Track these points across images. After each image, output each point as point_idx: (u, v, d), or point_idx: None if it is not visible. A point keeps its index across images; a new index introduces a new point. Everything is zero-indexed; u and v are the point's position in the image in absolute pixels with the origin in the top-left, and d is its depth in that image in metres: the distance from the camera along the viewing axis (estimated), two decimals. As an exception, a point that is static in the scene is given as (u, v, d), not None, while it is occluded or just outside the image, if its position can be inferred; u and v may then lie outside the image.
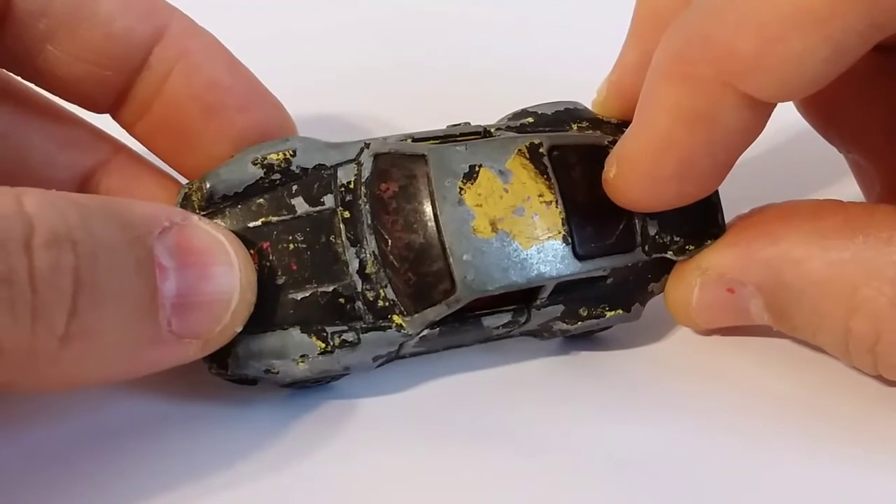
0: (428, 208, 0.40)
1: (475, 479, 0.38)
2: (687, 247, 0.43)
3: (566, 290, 0.41)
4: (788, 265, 0.39)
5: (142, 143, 0.44)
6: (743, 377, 0.43)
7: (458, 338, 0.41)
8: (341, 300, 0.40)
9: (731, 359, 0.44)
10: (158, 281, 0.36)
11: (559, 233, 0.40)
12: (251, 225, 0.40)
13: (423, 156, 0.40)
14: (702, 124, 0.38)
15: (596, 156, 0.42)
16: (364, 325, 0.40)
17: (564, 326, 0.42)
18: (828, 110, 0.45)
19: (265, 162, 0.40)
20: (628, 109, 0.42)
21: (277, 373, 0.39)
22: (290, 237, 0.40)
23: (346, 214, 0.41)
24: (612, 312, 0.43)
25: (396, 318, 0.40)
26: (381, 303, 0.40)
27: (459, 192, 0.40)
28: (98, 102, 0.43)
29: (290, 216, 0.40)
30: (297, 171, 0.41)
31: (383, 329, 0.40)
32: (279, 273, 0.40)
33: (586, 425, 0.41)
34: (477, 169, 0.40)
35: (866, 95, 0.44)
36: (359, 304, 0.40)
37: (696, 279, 0.42)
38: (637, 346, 0.45)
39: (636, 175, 0.40)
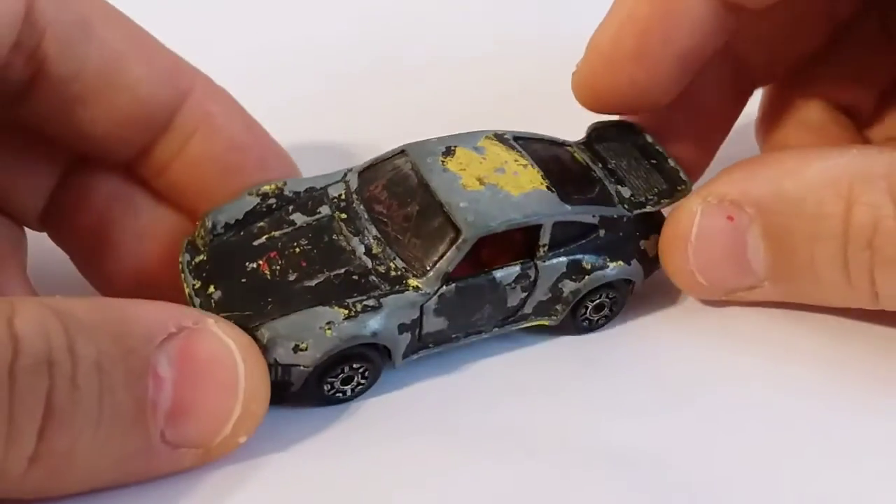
0: (416, 182, 0.43)
1: (479, 478, 0.38)
2: (661, 200, 0.46)
3: (564, 242, 0.43)
4: (787, 175, 0.41)
5: (160, 197, 0.45)
6: (745, 376, 0.43)
7: (475, 300, 0.42)
8: (355, 277, 0.42)
9: (733, 358, 0.44)
10: (152, 392, 0.35)
11: (542, 184, 0.43)
12: (255, 244, 0.42)
13: (402, 150, 0.44)
14: (666, 2, 0.43)
15: (557, 146, 0.47)
16: (382, 292, 0.41)
17: (573, 285, 0.44)
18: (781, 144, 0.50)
19: (259, 191, 0.44)
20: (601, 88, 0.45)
21: (306, 348, 0.39)
22: (295, 243, 0.43)
23: (344, 216, 0.43)
24: (614, 263, 0.44)
25: (412, 282, 0.41)
26: (393, 273, 0.41)
27: (442, 164, 0.43)
28: (120, 159, 0.44)
29: (291, 228, 0.43)
30: (291, 195, 0.44)
31: (401, 292, 0.41)
32: (290, 271, 0.42)
33: (588, 424, 0.41)
34: (453, 148, 0.44)
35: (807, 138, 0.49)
36: (372, 277, 0.41)
37: (698, 206, 0.43)
38: (637, 347, 0.45)
39: (597, 57, 0.45)
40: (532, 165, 0.44)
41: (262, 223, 0.43)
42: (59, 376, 0.33)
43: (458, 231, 0.41)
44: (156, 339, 0.36)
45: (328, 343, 0.39)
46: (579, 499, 0.38)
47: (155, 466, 0.37)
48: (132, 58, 0.42)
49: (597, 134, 0.47)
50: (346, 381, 0.41)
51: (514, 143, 0.45)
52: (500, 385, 0.43)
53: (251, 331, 0.39)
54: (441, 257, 0.41)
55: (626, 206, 0.45)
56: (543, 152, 0.45)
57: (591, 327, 0.45)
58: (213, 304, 0.40)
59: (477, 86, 0.60)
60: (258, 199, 0.43)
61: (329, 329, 0.39)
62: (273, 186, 0.43)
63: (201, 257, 0.42)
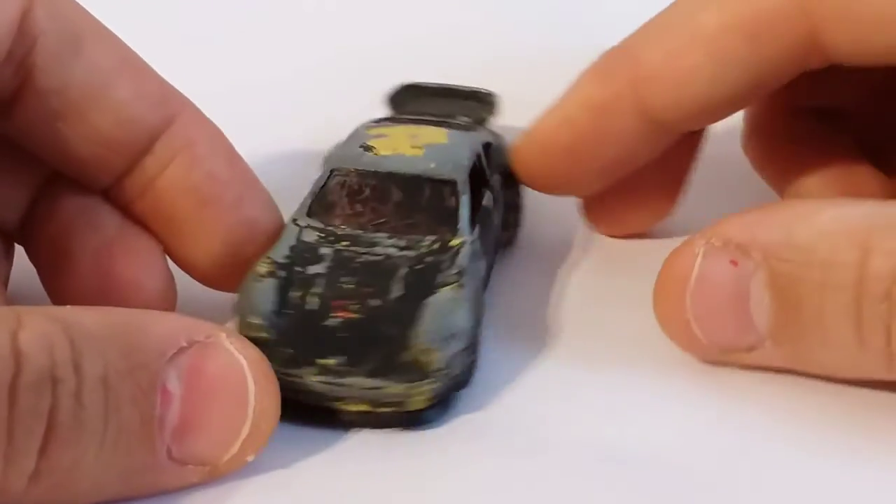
0: (378, 178, 0.43)
1: (473, 478, 0.38)
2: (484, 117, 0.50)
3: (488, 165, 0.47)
4: (799, 222, 0.39)
5: (136, 221, 0.44)
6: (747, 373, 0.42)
7: (486, 232, 0.44)
8: (418, 267, 0.41)
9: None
10: (160, 407, 0.35)
11: (445, 131, 0.46)
12: (312, 307, 0.40)
13: (333, 169, 0.44)
14: (601, 114, 0.44)
15: (406, 122, 0.48)
16: (447, 262, 0.41)
17: (511, 193, 0.48)
18: (773, 168, 0.49)
19: (265, 272, 0.41)
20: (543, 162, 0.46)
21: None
22: (340, 284, 0.40)
23: (346, 243, 0.42)
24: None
25: (454, 241, 0.42)
26: (436, 245, 0.42)
27: (377, 155, 0.44)
28: (98, 182, 0.43)
29: (321, 279, 0.41)
30: (286, 259, 0.42)
31: (458, 252, 0.42)
32: (368, 300, 0.40)
33: (586, 423, 0.40)
34: (367, 144, 0.45)
35: (803, 155, 0.48)
36: (428, 259, 0.41)
37: (701, 248, 0.40)
38: (636, 348, 0.44)
39: (532, 143, 0.46)
40: (424, 124, 0.46)
41: (296, 291, 0.40)
42: (62, 394, 0.33)
43: (449, 182, 0.43)
44: (167, 354, 0.35)
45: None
46: (579, 499, 0.37)
47: (161, 482, 0.36)
48: (119, 79, 0.41)
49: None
50: None
51: (394, 120, 0.48)
52: (501, 385, 0.43)
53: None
54: (455, 208, 0.43)
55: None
56: (414, 116, 0.48)
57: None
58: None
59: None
60: (272, 279, 0.41)
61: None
62: (269, 262, 0.41)
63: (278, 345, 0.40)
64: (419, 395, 0.39)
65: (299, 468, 0.39)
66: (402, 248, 0.42)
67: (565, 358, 0.44)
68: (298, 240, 0.42)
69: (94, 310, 0.36)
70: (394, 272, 0.41)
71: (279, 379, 0.38)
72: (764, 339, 0.40)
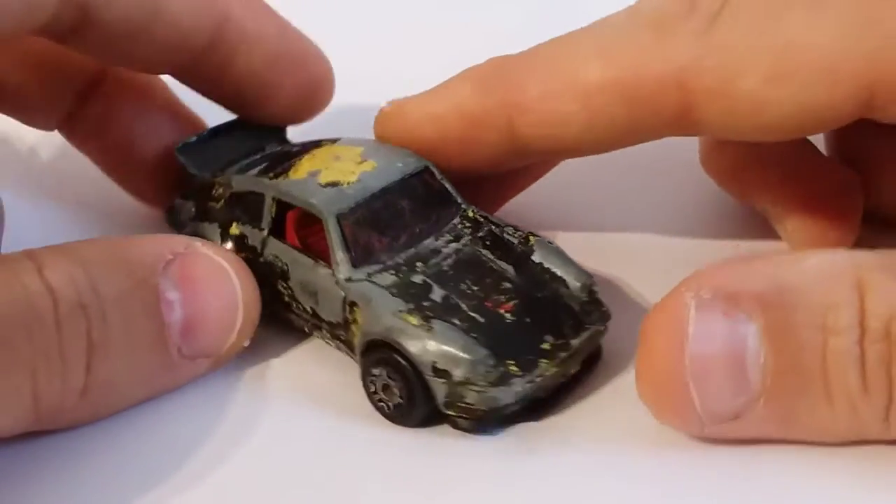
0: (376, 205, 0.43)
1: (471, 478, 0.39)
2: None
3: None
4: (787, 269, 0.37)
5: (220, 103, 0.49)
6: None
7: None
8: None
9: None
10: (165, 315, 0.40)
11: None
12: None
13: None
14: (471, 125, 0.44)
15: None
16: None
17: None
18: (735, 181, 0.48)
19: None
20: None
21: None
22: (454, 275, 0.42)
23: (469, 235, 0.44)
24: None
25: (469, 212, 0.44)
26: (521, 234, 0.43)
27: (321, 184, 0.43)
28: (167, 72, 0.48)
29: (443, 262, 0.43)
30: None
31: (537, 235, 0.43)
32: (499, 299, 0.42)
33: (584, 423, 0.41)
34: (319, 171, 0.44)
35: (763, 163, 0.47)
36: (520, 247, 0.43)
37: (691, 301, 0.37)
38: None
39: (398, 121, 0.46)
40: (306, 152, 0.45)
41: (456, 318, 0.40)
42: (93, 316, 0.37)
43: (425, 169, 0.44)
44: (158, 268, 0.40)
45: None
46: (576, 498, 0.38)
47: (177, 379, 0.41)
48: None
49: None
50: None
51: (275, 159, 0.46)
52: None
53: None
54: (444, 187, 0.44)
55: None
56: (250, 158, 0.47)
57: None
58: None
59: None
60: (435, 323, 0.40)
61: None
62: (407, 317, 0.40)
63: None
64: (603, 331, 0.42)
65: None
66: (454, 240, 0.43)
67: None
68: (387, 289, 0.41)
69: (90, 242, 0.40)
70: (478, 256, 0.43)
71: (524, 392, 0.39)
72: (758, 399, 0.37)
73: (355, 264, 0.41)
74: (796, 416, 0.37)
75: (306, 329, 0.44)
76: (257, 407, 0.42)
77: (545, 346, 0.40)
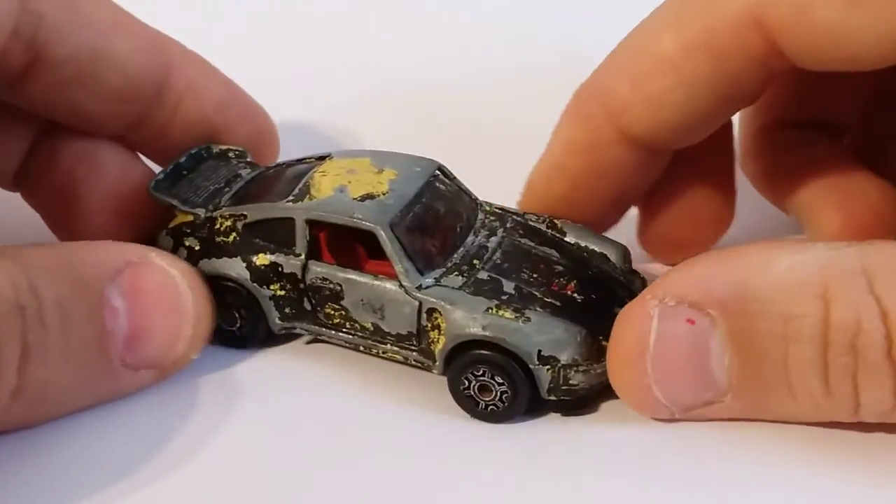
0: (419, 212, 0.43)
1: (473, 477, 0.39)
2: None
3: None
4: (753, 271, 0.38)
5: (156, 160, 0.49)
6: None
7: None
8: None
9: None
10: (109, 322, 0.40)
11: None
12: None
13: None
14: (589, 154, 0.44)
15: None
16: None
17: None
18: (772, 185, 0.49)
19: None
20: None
21: None
22: (518, 256, 0.44)
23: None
24: None
25: (486, 206, 0.45)
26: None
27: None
28: (114, 131, 0.47)
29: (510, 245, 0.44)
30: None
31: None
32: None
33: (583, 423, 0.41)
34: (346, 185, 0.44)
35: (800, 169, 0.47)
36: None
37: (655, 309, 0.38)
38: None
39: (533, 197, 0.46)
40: (318, 165, 0.45)
41: (538, 304, 0.41)
42: (29, 317, 0.37)
43: (441, 170, 0.44)
44: (106, 276, 0.40)
45: None
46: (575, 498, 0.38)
47: (119, 388, 0.41)
48: (118, 35, 0.45)
49: None
50: None
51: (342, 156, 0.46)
52: None
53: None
54: (460, 184, 0.45)
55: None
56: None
57: None
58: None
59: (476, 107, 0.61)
60: (530, 313, 0.41)
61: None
62: (497, 311, 0.41)
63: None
64: None
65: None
66: (490, 234, 0.44)
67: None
68: (463, 290, 0.41)
69: (35, 246, 0.40)
70: (520, 245, 0.43)
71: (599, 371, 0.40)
72: (724, 394, 0.39)
73: (421, 271, 0.41)
74: (764, 408, 0.38)
75: (362, 348, 0.43)
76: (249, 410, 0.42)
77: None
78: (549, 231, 0.44)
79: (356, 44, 0.66)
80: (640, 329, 0.38)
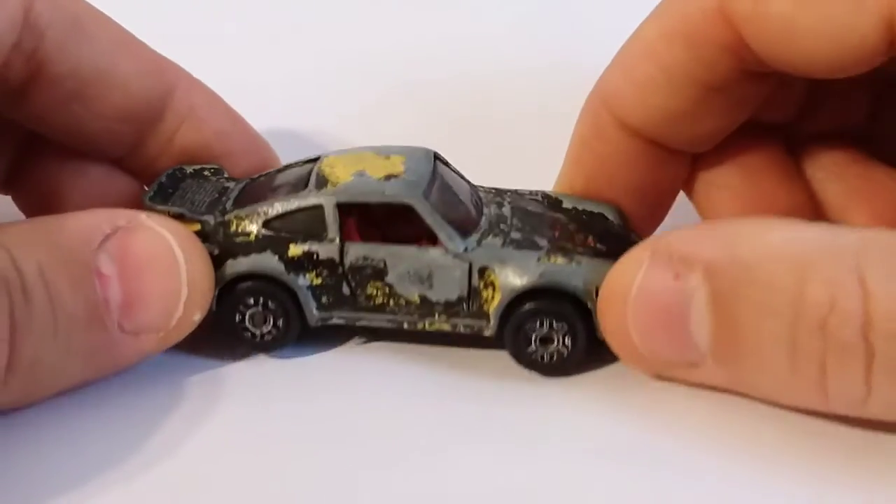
0: (439, 184, 0.43)
1: (473, 472, 0.38)
2: None
3: None
4: (745, 237, 0.38)
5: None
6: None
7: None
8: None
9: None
10: (100, 290, 0.38)
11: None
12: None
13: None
14: (593, 145, 0.45)
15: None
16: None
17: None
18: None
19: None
20: None
21: None
22: (521, 224, 0.44)
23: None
24: None
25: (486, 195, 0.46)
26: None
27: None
28: (113, 153, 0.46)
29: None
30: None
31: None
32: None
33: (583, 421, 0.41)
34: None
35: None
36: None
37: (646, 257, 0.39)
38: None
39: (561, 186, 0.47)
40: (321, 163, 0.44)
41: (567, 251, 0.43)
42: (13, 291, 0.36)
43: (436, 156, 0.45)
44: (93, 242, 0.39)
45: None
46: (574, 495, 0.38)
47: (121, 357, 0.40)
48: (122, 55, 0.44)
49: None
50: None
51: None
52: (502, 382, 0.43)
53: None
54: (454, 168, 0.46)
55: None
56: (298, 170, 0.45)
57: None
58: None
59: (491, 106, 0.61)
60: (557, 258, 0.42)
61: None
62: (548, 257, 0.42)
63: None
64: None
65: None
66: (499, 205, 0.44)
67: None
68: (508, 246, 0.42)
69: (15, 221, 0.39)
70: (532, 211, 0.44)
71: None
72: (704, 357, 0.39)
73: (463, 236, 0.42)
74: (741, 379, 0.39)
75: (406, 325, 0.43)
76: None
77: None
78: (546, 201, 0.46)
79: (356, 46, 0.65)
80: (628, 274, 0.39)
